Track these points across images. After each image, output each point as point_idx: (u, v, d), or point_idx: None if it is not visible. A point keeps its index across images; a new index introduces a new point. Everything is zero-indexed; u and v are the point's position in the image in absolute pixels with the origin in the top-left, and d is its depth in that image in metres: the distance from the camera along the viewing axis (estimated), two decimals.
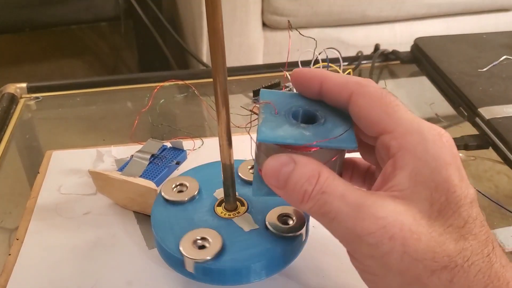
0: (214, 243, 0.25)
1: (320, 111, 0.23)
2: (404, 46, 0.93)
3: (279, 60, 0.89)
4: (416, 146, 0.20)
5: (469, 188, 0.20)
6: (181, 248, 0.25)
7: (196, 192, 0.28)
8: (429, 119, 0.45)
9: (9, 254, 0.30)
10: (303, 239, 0.27)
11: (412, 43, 0.78)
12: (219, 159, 0.26)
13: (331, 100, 0.23)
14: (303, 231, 0.26)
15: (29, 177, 0.40)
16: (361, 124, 0.22)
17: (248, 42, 0.83)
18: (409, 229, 0.19)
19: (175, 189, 0.29)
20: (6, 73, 1.20)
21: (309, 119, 0.23)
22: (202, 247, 0.25)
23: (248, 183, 0.29)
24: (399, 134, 0.21)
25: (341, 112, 0.23)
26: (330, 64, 0.43)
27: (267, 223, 0.26)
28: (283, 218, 0.27)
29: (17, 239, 0.31)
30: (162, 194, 0.28)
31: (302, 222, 0.26)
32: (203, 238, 0.25)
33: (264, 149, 0.23)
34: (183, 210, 0.28)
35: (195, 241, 0.25)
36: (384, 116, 0.21)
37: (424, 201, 0.20)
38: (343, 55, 0.55)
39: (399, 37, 0.89)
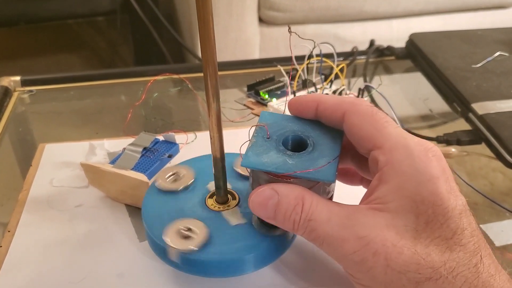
0: (200, 234, 0.25)
1: (312, 137, 0.25)
2: (401, 42, 0.93)
3: (275, 55, 0.89)
4: (402, 161, 0.21)
5: (458, 199, 0.21)
6: (164, 237, 0.25)
7: (191, 182, 0.28)
8: (424, 115, 0.46)
9: (0, 246, 0.30)
10: (291, 237, 0.27)
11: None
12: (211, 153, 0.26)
13: (327, 120, 0.25)
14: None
15: (22, 170, 0.40)
16: (354, 140, 0.23)
17: (245, 37, 0.83)
18: (391, 244, 0.20)
19: (169, 178, 0.29)
20: (1, 67, 1.20)
21: (298, 145, 0.25)
22: (187, 237, 0.25)
23: (243, 177, 0.29)
24: (387, 149, 0.22)
25: (333, 137, 0.24)
26: (324, 59, 0.43)
27: (253, 222, 0.26)
28: None
29: (9, 231, 0.31)
30: (156, 182, 0.28)
31: None
32: (188, 229, 0.25)
33: (250, 171, 0.25)
34: (174, 199, 0.28)
35: (180, 231, 0.25)
36: (374, 132, 0.22)
37: (409, 213, 0.20)
38: (340, 51, 0.55)
39: (396, 33, 0.89)
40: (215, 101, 0.24)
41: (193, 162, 0.31)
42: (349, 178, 0.28)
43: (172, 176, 0.29)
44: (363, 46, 0.63)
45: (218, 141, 0.26)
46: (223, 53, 0.81)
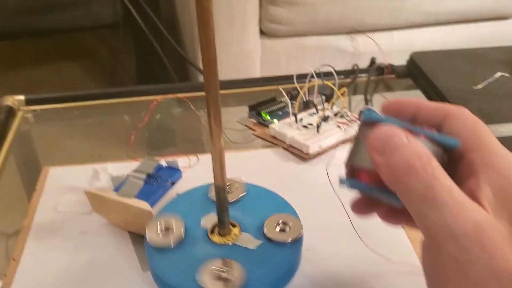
0: (235, 270, 0.25)
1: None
2: (402, 53, 0.93)
3: (276, 67, 0.89)
4: (501, 164, 0.21)
5: None
6: (204, 285, 0.24)
7: (182, 231, 0.28)
8: None
9: (5, 275, 0.30)
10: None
11: (409, 51, 0.78)
12: (212, 179, 0.27)
13: (425, 121, 0.24)
14: (302, 232, 0.28)
15: (26, 192, 0.40)
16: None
17: (246, 50, 0.83)
18: (500, 247, 0.19)
19: (161, 232, 0.28)
20: (3, 76, 1.21)
21: None
22: (225, 279, 0.25)
23: (232, 202, 0.30)
24: (485, 153, 0.22)
25: None
26: (325, 82, 0.43)
27: (268, 235, 0.27)
28: (280, 226, 0.28)
29: (13, 260, 0.31)
30: (152, 243, 0.28)
31: (298, 225, 0.28)
32: (221, 270, 0.25)
33: (356, 140, 0.23)
34: (180, 251, 0.27)
35: (214, 275, 0.25)
36: (474, 136, 0.22)
37: (507, 218, 0.20)
38: (341, 62, 0.55)
39: (396, 45, 0.89)
40: (219, 140, 0.25)
41: (175, 205, 0.31)
42: (397, 216, 0.26)
43: (162, 229, 0.28)
44: (364, 58, 0.63)
45: (220, 174, 0.26)
46: (225, 65, 0.82)
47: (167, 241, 0.27)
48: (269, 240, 0.28)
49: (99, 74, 1.17)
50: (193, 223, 0.29)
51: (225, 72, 0.82)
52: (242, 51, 0.83)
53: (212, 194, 0.30)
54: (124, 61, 1.13)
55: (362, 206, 0.25)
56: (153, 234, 0.28)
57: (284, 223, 0.28)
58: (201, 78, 0.86)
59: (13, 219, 0.37)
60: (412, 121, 0.24)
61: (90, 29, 1.04)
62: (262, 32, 0.84)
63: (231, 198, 0.30)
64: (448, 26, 0.90)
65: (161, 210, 0.30)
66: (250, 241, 0.28)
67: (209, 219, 0.29)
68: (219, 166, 0.26)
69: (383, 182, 0.21)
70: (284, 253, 0.27)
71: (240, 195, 0.31)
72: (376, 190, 0.22)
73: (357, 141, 0.23)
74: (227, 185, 0.31)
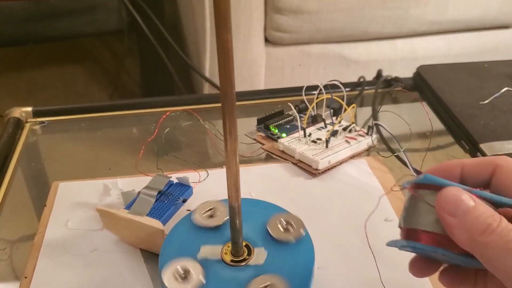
0: (279, 283, 0.26)
1: None
2: (406, 62, 0.93)
3: (280, 75, 0.89)
4: None
5: None
6: None
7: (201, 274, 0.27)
8: (430, 149, 0.46)
9: None
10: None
11: (413, 59, 0.78)
12: (224, 192, 0.27)
13: (473, 180, 0.24)
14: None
15: (35, 208, 0.40)
16: (504, 193, 0.23)
17: (251, 58, 0.83)
18: None
19: (179, 278, 0.27)
20: (6, 79, 1.21)
21: None
22: None
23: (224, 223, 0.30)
24: None
25: None
26: (334, 97, 0.43)
27: (274, 236, 0.29)
28: (284, 227, 0.30)
29: (26, 277, 0.32)
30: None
31: (300, 222, 0.29)
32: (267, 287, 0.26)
33: (410, 200, 0.24)
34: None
35: None
36: None
37: None
38: (345, 70, 0.55)
39: (400, 54, 0.89)
40: (234, 163, 0.25)
41: (171, 246, 0.29)
42: (462, 277, 0.26)
43: (179, 274, 0.27)
44: (368, 66, 0.64)
45: (237, 210, 0.26)
46: None
47: (184, 285, 0.26)
48: (276, 241, 0.29)
49: (102, 79, 1.17)
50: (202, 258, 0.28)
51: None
52: (247, 58, 0.83)
53: (198, 220, 0.30)
54: (128, 67, 1.13)
55: (422, 267, 0.25)
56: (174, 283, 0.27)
57: (286, 221, 0.30)
58: (205, 85, 0.86)
59: (22, 233, 0.37)
60: (461, 180, 0.25)
61: (95, 35, 1.04)
62: (267, 40, 0.84)
63: (217, 222, 0.30)
64: (451, 34, 0.90)
65: (162, 256, 0.29)
66: (261, 256, 0.28)
67: (210, 249, 0.29)
68: (234, 189, 0.26)
69: (448, 242, 0.22)
70: (299, 248, 0.28)
71: (225, 218, 0.30)
72: (441, 251, 0.22)
73: (414, 203, 0.23)
74: (211, 209, 0.31)
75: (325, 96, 0.44)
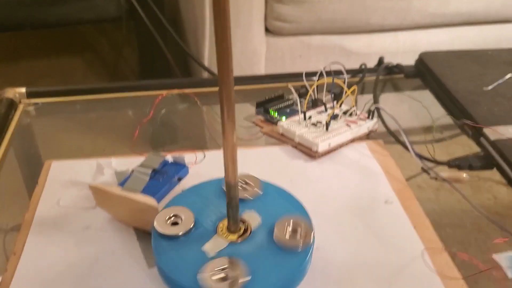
0: (239, 271, 0.24)
1: None
2: (407, 54, 0.92)
3: (280, 66, 0.88)
4: None
5: None
6: (205, 284, 0.24)
7: (192, 225, 0.27)
8: (432, 136, 0.45)
9: (6, 270, 0.29)
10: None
11: (414, 52, 0.77)
12: (221, 174, 0.26)
13: None
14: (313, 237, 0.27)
15: (27, 187, 0.39)
16: None
17: (251, 48, 0.82)
18: None
19: (169, 221, 0.27)
20: (3, 68, 1.19)
21: None
22: (227, 278, 0.24)
23: (246, 200, 0.29)
24: None
25: None
26: (335, 81, 0.42)
27: (277, 238, 0.26)
28: (291, 229, 0.27)
29: (14, 254, 0.31)
30: (160, 230, 0.27)
31: (310, 230, 0.27)
32: (224, 269, 0.25)
33: None
34: (188, 242, 0.27)
35: (217, 273, 0.24)
36: None
37: None
38: (346, 62, 0.55)
39: (402, 46, 0.88)
40: (231, 134, 0.24)
41: (187, 198, 0.30)
42: None
43: (171, 219, 0.28)
44: (369, 58, 0.62)
45: (232, 169, 0.25)
46: None
47: (175, 230, 0.27)
48: (279, 243, 0.27)
49: (100, 68, 1.16)
50: (204, 216, 0.28)
51: None
52: (247, 48, 0.82)
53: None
54: (126, 55, 1.12)
55: None
56: (162, 223, 0.27)
57: (295, 227, 0.27)
58: (204, 74, 0.85)
59: (13, 214, 0.36)
60: None
61: (93, 22, 1.03)
62: (267, 30, 0.83)
63: (245, 194, 0.29)
64: (454, 28, 0.89)
65: (172, 200, 0.29)
66: (258, 242, 0.27)
67: (220, 214, 0.28)
68: (230, 162, 0.25)
69: None
70: (293, 258, 0.26)
71: (255, 194, 0.30)
72: None
73: None
74: (244, 182, 0.30)
75: (325, 79, 0.43)
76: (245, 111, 0.48)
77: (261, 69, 0.84)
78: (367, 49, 0.86)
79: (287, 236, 0.27)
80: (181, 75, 0.88)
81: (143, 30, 0.85)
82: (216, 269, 0.24)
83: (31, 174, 0.41)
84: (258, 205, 0.29)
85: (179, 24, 1.04)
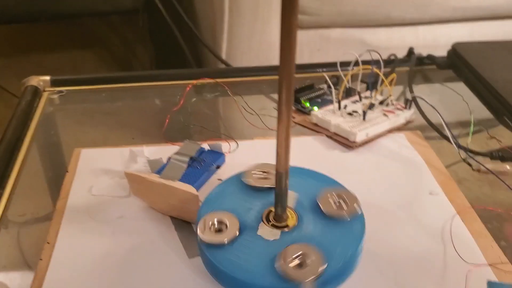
0: (313, 254, 0.23)
1: None
2: (427, 49, 0.90)
3: (299, 59, 0.86)
4: None
5: None
6: (287, 275, 0.23)
7: (237, 231, 0.26)
8: (470, 128, 0.44)
9: (40, 259, 0.28)
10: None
11: (434, 46, 0.76)
12: (255, 162, 0.26)
13: None
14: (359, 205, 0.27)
15: (55, 176, 0.38)
16: None
17: (269, 41, 0.81)
18: None
19: (212, 228, 0.26)
20: (14, 61, 1.18)
21: None
22: (305, 264, 0.23)
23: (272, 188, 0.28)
24: None
25: None
26: (374, 69, 0.41)
27: (326, 212, 0.26)
28: (335, 201, 0.27)
29: (48, 243, 0.29)
30: (203, 237, 0.25)
31: (355, 199, 0.27)
32: (298, 256, 0.24)
33: None
34: (239, 247, 0.25)
35: (294, 262, 0.23)
36: None
37: None
38: (365, 56, 0.53)
39: (422, 40, 0.87)
40: (286, 117, 0.23)
41: (216, 199, 0.28)
42: None
43: (214, 226, 0.26)
44: (388, 53, 0.61)
45: (284, 157, 0.24)
46: (246, 55, 0.79)
47: (220, 239, 0.25)
48: (329, 217, 0.26)
49: (112, 62, 1.15)
50: (243, 216, 0.27)
51: (246, 62, 0.80)
52: (265, 41, 0.81)
53: (249, 180, 0.28)
54: (139, 49, 1.11)
55: None
56: (205, 232, 0.25)
57: (338, 197, 0.27)
58: (221, 67, 0.84)
59: (43, 203, 0.35)
60: None
61: (109, 14, 1.02)
62: None
63: (269, 184, 0.28)
64: (474, 22, 0.87)
65: (203, 207, 0.28)
66: (309, 223, 0.26)
67: (258, 208, 0.27)
68: (284, 150, 0.24)
69: None
70: (351, 227, 0.26)
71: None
72: None
73: None
74: (264, 172, 0.29)
75: (361, 67, 0.41)
76: (274, 100, 0.46)
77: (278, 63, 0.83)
78: (387, 43, 0.84)
79: (335, 207, 0.26)
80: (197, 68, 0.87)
81: (158, 23, 0.84)
82: (290, 258, 0.24)
83: (58, 162, 0.40)
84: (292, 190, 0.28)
85: (192, 16, 1.03)
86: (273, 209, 0.26)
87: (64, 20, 1.03)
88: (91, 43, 1.22)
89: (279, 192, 0.25)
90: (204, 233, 0.25)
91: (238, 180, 0.29)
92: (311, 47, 0.84)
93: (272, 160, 0.29)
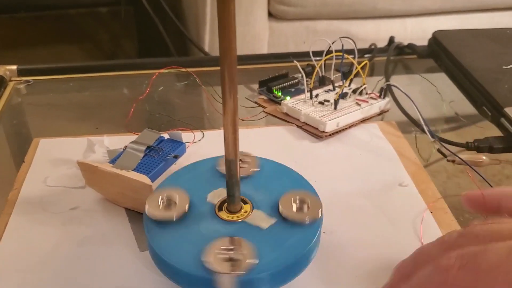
0: (245, 249, 0.22)
1: None
2: (416, 42, 0.89)
3: (284, 51, 0.86)
4: None
5: None
6: (209, 265, 0.21)
7: (187, 206, 0.24)
8: (448, 118, 0.43)
9: None
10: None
11: (424, 38, 0.74)
12: (221, 154, 0.24)
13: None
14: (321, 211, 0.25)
15: (15, 166, 0.37)
16: None
17: (253, 32, 0.80)
18: None
19: (161, 204, 0.24)
20: (1, 57, 1.17)
21: None
22: (232, 259, 0.22)
23: (243, 178, 0.26)
24: None
25: None
26: (345, 56, 0.39)
27: (283, 213, 0.24)
28: (297, 204, 0.25)
29: None
30: (150, 215, 0.24)
31: (318, 204, 0.25)
32: (228, 249, 0.22)
33: None
34: (184, 226, 0.24)
35: (222, 254, 0.22)
36: None
37: None
38: (348, 46, 0.52)
39: (410, 33, 0.85)
40: (231, 97, 0.21)
41: (180, 178, 0.27)
42: None
43: (163, 202, 0.25)
44: (377, 45, 0.60)
45: (233, 143, 0.23)
46: None
47: (169, 214, 0.24)
48: (285, 219, 0.24)
49: (99, 56, 1.13)
50: (199, 197, 0.25)
51: None
52: (249, 33, 0.79)
53: (222, 168, 0.27)
54: (125, 43, 1.09)
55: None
56: (154, 207, 0.24)
57: (302, 201, 0.25)
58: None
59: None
60: (498, 212, 0.22)
61: (90, 6, 1.00)
62: (270, 14, 0.80)
63: (242, 172, 0.27)
64: (463, 14, 0.86)
65: (163, 182, 0.27)
66: (262, 219, 0.24)
67: (217, 194, 0.26)
68: (232, 135, 0.22)
69: None
70: (302, 234, 0.23)
71: (252, 170, 0.27)
72: None
73: None
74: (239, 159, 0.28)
75: (334, 54, 0.40)
76: (247, 91, 0.45)
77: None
78: (374, 35, 0.83)
79: (294, 209, 0.24)
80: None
81: (142, 16, 0.82)
82: (219, 250, 0.22)
83: (19, 153, 0.38)
84: (258, 183, 0.27)
85: (178, 9, 1.01)
86: (219, 213, 0.25)
87: (45, 11, 1.01)
88: (78, 38, 1.20)
89: (229, 181, 0.24)
90: (152, 208, 0.24)
91: (210, 164, 0.28)
92: (296, 39, 0.82)
93: (240, 149, 0.28)
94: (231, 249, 0.22)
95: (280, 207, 0.24)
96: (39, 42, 1.18)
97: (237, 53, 0.20)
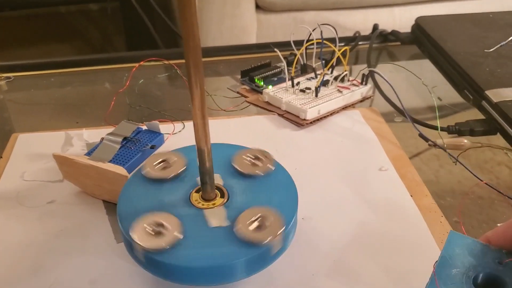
0: (171, 232, 0.22)
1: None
2: (404, 30, 0.89)
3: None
4: None
5: None
6: (131, 232, 0.21)
7: (181, 170, 0.25)
8: (432, 104, 0.42)
9: None
10: (279, 248, 0.23)
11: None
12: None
13: None
14: (277, 240, 0.22)
15: None
16: None
17: (241, 25, 0.79)
18: None
19: (158, 165, 0.25)
20: None
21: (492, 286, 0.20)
22: (158, 233, 0.21)
23: (240, 174, 0.26)
24: None
25: None
26: (324, 42, 0.39)
27: (235, 227, 0.22)
28: (259, 220, 0.22)
29: None
30: (143, 170, 0.25)
31: (278, 228, 0.22)
32: (160, 225, 0.22)
33: None
34: (158, 190, 0.24)
35: (149, 226, 0.22)
36: None
37: None
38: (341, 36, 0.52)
39: (398, 22, 0.85)
40: (198, 87, 0.21)
41: (187, 151, 0.27)
42: None
43: (161, 164, 0.25)
44: (365, 34, 0.60)
45: (202, 129, 0.22)
46: (218, 41, 0.77)
47: (153, 172, 0.24)
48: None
49: (89, 53, 1.12)
50: (191, 173, 0.25)
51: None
52: (237, 26, 0.79)
53: (235, 162, 0.26)
54: (115, 40, 1.08)
55: None
56: (151, 161, 0.25)
57: (263, 220, 0.23)
58: None
59: None
60: None
61: (78, 3, 0.99)
62: (257, 6, 0.79)
63: (250, 170, 0.26)
64: (452, 2, 0.86)
65: (178, 149, 0.27)
66: (215, 218, 0.23)
67: (179, 198, 0.25)
68: (201, 122, 0.22)
69: None
70: (240, 249, 0.21)
71: (257, 171, 0.26)
72: None
73: None
74: (254, 157, 0.26)
75: (314, 41, 0.40)
76: (230, 81, 0.45)
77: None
78: (362, 25, 0.82)
79: (252, 226, 0.22)
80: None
81: (130, 12, 0.81)
82: (151, 223, 0.22)
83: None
84: (257, 183, 0.25)
85: (167, 4, 1.00)
86: (195, 193, 0.24)
87: (34, 9, 1.00)
88: (69, 36, 1.19)
89: (201, 168, 0.23)
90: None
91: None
92: (284, 31, 0.82)
93: (219, 139, 0.27)
94: (160, 225, 0.22)
95: (237, 225, 0.22)
96: (29, 41, 1.17)
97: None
